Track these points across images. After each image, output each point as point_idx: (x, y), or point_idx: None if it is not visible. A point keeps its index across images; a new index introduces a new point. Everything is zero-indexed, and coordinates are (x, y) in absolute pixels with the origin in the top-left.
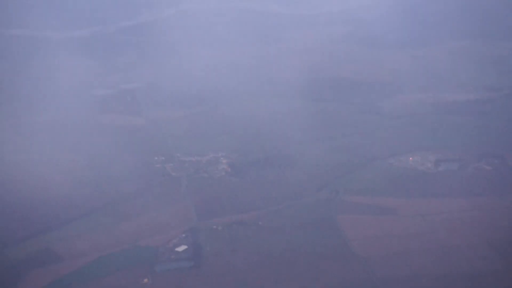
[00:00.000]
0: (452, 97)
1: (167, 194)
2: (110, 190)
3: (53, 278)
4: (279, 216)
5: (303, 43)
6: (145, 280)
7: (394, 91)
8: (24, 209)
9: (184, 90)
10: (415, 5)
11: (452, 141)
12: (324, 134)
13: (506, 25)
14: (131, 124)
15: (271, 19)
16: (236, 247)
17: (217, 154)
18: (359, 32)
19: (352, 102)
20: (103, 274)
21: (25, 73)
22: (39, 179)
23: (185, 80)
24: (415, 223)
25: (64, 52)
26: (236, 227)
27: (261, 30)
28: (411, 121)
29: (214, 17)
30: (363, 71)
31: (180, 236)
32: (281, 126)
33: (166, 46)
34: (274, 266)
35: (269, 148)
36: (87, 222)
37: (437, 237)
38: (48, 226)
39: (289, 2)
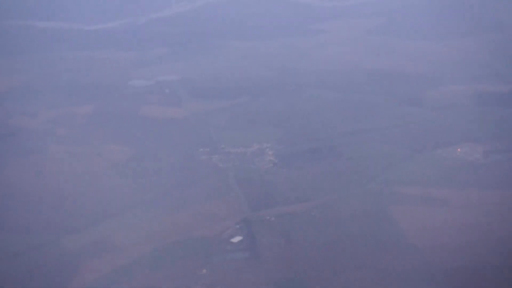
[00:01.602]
0: (493, 89)
1: (215, 186)
2: (157, 182)
3: (111, 268)
4: (331, 207)
5: (338, 35)
6: (203, 270)
7: (434, 83)
8: (74, 200)
9: (221, 82)
10: None
11: (498, 132)
12: (367, 126)
13: None
14: (172, 116)
15: (303, 10)
16: (291, 238)
17: (262, 146)
18: (393, 23)
19: (392, 94)
20: (160, 265)
21: (60, 65)
22: (86, 170)
23: (221, 72)
24: (469, 214)
25: (97, 44)
26: (289, 218)
27: (294, 21)
28: (454, 112)
29: (246, 8)
30: (400, 62)
31: (234, 227)
32: (323, 118)
33: (199, 38)
34: (331, 257)
35: (313, 139)
36: (138, 213)
37: (493, 228)
38: (100, 217)
39: None
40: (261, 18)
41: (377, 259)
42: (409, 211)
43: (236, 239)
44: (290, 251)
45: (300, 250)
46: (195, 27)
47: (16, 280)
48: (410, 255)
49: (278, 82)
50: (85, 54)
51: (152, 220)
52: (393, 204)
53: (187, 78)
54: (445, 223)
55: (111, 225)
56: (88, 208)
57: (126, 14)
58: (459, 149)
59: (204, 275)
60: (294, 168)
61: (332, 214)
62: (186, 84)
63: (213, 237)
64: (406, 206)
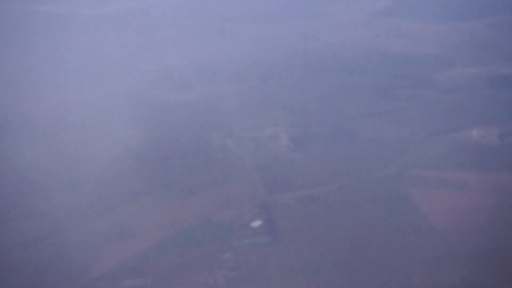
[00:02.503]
0: (504, 71)
1: (231, 170)
2: (173, 166)
3: (131, 253)
4: (349, 191)
5: (344, 17)
6: (225, 255)
7: (445, 65)
8: (90, 186)
9: (230, 65)
10: None
11: None
12: (381, 108)
13: None
14: (183, 100)
15: None
16: (311, 222)
17: (275, 129)
18: (398, 5)
19: (403, 76)
20: (181, 250)
21: (66, 50)
22: (100, 155)
23: (230, 55)
24: (489, 196)
25: (102, 28)
26: (307, 202)
27: (300, 4)
28: (467, 94)
29: None
30: (411, 44)
31: (253, 211)
32: (336, 101)
33: (205, 21)
34: (353, 241)
35: (327, 122)
36: (155, 197)
37: None
38: (118, 202)
39: None
40: (267, 1)
41: (400, 242)
42: (429, 194)
43: (256, 223)
44: (310, 235)
45: (321, 234)
46: (201, 10)
47: (38, 265)
48: (433, 238)
49: (288, 65)
50: (90, 38)
51: (169, 205)
52: (412, 187)
53: (196, 61)
54: (465, 205)
55: (129, 210)
56: (105, 193)
57: None
58: (474, 132)
59: (226, 259)
60: (309, 152)
61: (351, 198)
62: (196, 68)
63: (232, 221)
64: (425, 189)
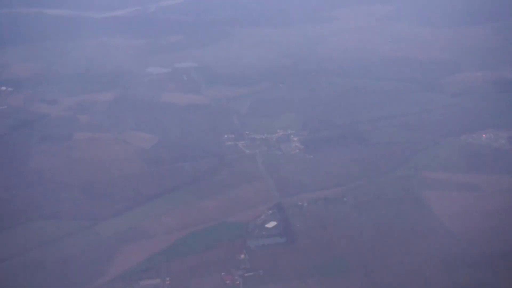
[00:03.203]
0: (509, 75)
1: (244, 171)
2: (186, 168)
3: (148, 254)
4: (362, 192)
5: (350, 22)
6: (242, 255)
7: (452, 69)
8: (104, 187)
9: (238, 69)
10: None
11: None
12: (389, 112)
13: None
14: (193, 103)
15: None
16: (325, 223)
17: (286, 132)
18: (403, 10)
19: (410, 80)
20: (198, 250)
21: (74, 53)
22: (113, 157)
23: (237, 59)
24: (501, 199)
25: (108, 31)
26: (321, 203)
27: (305, 8)
28: (475, 98)
29: None
30: (414, 49)
31: (267, 212)
32: (344, 104)
33: (211, 25)
34: (368, 242)
35: (337, 125)
36: (169, 199)
37: None
38: (132, 204)
39: None
40: (272, 5)
41: (414, 243)
42: (441, 196)
43: (271, 224)
44: (325, 236)
45: (335, 235)
46: (206, 14)
47: (56, 265)
48: (447, 240)
49: (296, 69)
50: (98, 41)
51: (183, 206)
52: (424, 189)
53: (204, 65)
54: (478, 208)
55: (143, 211)
56: (119, 194)
57: (135, 2)
58: (484, 135)
59: (243, 260)
60: (321, 154)
61: (364, 199)
62: (204, 71)
63: (247, 222)
64: (437, 191)
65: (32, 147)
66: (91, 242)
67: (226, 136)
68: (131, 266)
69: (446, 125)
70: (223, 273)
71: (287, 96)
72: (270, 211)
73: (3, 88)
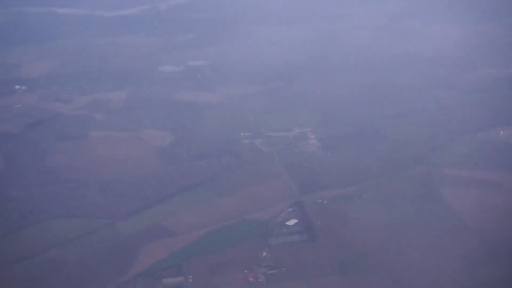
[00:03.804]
0: None
1: (262, 169)
2: (204, 166)
3: (169, 252)
4: (381, 189)
5: (363, 20)
6: (263, 253)
7: (465, 66)
8: (122, 185)
9: (251, 67)
10: None
11: None
12: (405, 109)
13: None
14: (207, 101)
15: None
16: (346, 220)
17: (303, 129)
18: (415, 8)
19: (425, 77)
20: (219, 247)
21: (87, 52)
22: (130, 155)
23: (250, 57)
24: None
25: (119, 30)
26: (341, 201)
27: (317, 6)
28: (489, 95)
29: None
30: (429, 46)
31: (287, 210)
32: (360, 101)
33: (223, 23)
34: (389, 239)
35: (353, 122)
36: (188, 197)
37: None
38: (151, 202)
39: None
40: (284, 3)
41: (435, 240)
42: (461, 193)
43: (292, 222)
44: (346, 233)
45: (356, 232)
46: (217, 12)
47: (77, 264)
48: (468, 236)
49: (310, 66)
50: (109, 40)
51: (202, 204)
52: (443, 186)
53: (217, 63)
54: (499, 205)
55: (162, 209)
56: (138, 192)
57: (146, 0)
58: (501, 132)
59: (265, 257)
60: (338, 151)
61: (384, 196)
62: (217, 69)
63: (268, 220)
64: (457, 188)
65: (48, 146)
66: (112, 240)
67: (242, 134)
68: (152, 264)
69: (463, 122)
70: (246, 271)
71: (302, 93)
72: (290, 209)
73: (17, 87)
